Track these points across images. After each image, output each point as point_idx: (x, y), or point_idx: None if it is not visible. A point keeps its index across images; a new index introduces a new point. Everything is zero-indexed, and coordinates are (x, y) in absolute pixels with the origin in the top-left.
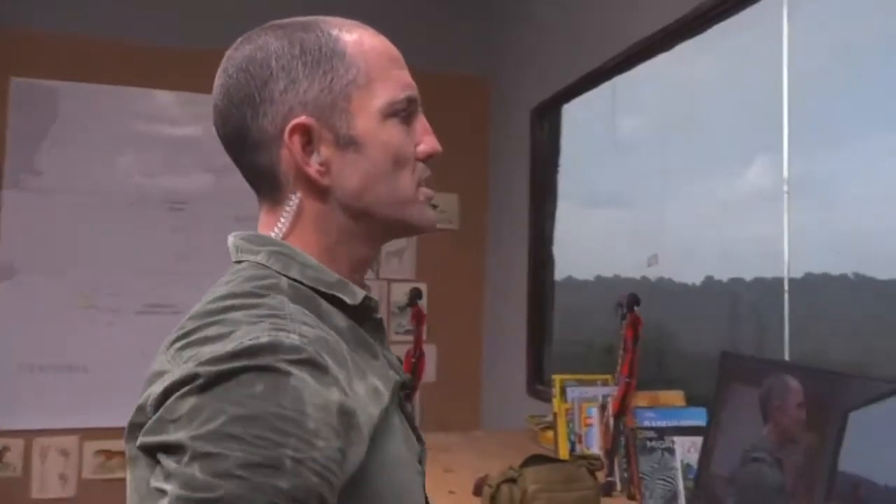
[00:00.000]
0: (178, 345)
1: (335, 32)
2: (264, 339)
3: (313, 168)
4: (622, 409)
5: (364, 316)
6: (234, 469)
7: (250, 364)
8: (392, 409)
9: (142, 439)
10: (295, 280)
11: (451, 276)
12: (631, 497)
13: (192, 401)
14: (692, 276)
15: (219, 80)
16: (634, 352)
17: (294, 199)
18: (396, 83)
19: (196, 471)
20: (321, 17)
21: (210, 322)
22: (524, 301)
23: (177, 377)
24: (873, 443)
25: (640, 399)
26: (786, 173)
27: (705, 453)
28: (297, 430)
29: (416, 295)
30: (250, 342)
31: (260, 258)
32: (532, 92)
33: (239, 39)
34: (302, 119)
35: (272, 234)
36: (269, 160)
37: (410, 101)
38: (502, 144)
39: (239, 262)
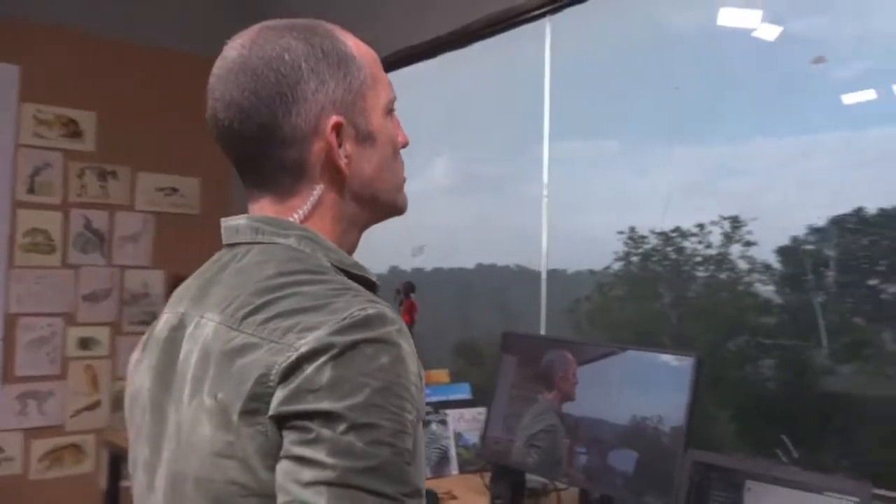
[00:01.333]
0: (255, 318)
1: (339, 36)
2: (372, 311)
3: (343, 161)
4: None
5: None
6: (386, 437)
7: (372, 336)
8: None
9: (279, 408)
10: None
11: (191, 263)
12: None
13: (328, 372)
14: (454, 265)
15: (241, 78)
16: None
17: (318, 190)
18: (388, 84)
19: (354, 439)
20: (317, 21)
21: (282, 295)
22: None
23: (302, 352)
24: (588, 390)
25: None
26: (545, 179)
27: (489, 420)
28: (409, 394)
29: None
30: (362, 313)
31: (291, 241)
32: None
33: (250, 39)
34: (338, 118)
35: (291, 220)
36: (298, 155)
37: (395, 99)
38: None
39: (261, 242)
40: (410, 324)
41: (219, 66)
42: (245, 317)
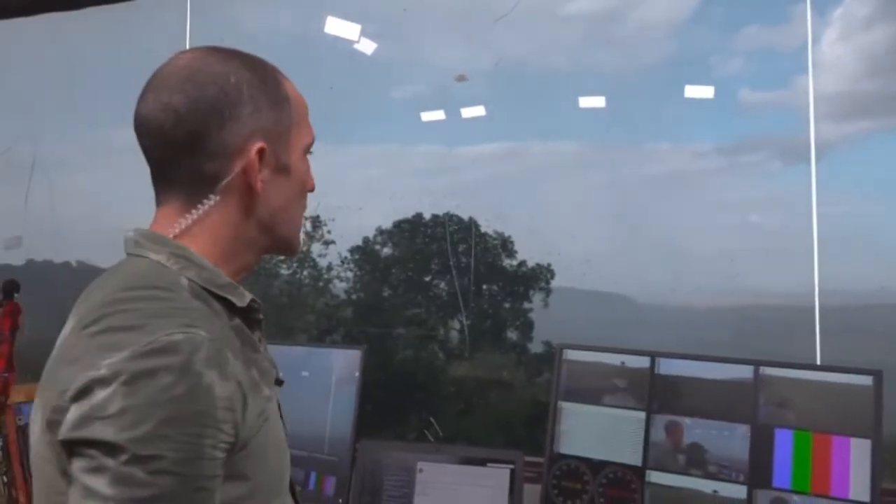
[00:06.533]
0: (88, 330)
1: (279, 78)
2: (178, 336)
3: (258, 183)
4: (1, 408)
5: (248, 316)
6: (170, 466)
7: (170, 363)
8: (272, 397)
9: (69, 433)
10: (191, 280)
11: None
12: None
13: (119, 401)
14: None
15: (185, 85)
16: (12, 343)
17: (211, 200)
18: (310, 129)
19: (136, 470)
20: (261, 58)
21: (116, 311)
22: None
23: (100, 374)
24: None
25: (16, 394)
26: None
27: None
28: (211, 420)
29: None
30: (167, 338)
31: (161, 258)
32: None
33: (201, 55)
34: (263, 143)
35: (169, 233)
36: (218, 168)
37: (313, 142)
38: None
39: (136, 255)
40: (13, 328)
41: (165, 71)
42: (85, 327)
